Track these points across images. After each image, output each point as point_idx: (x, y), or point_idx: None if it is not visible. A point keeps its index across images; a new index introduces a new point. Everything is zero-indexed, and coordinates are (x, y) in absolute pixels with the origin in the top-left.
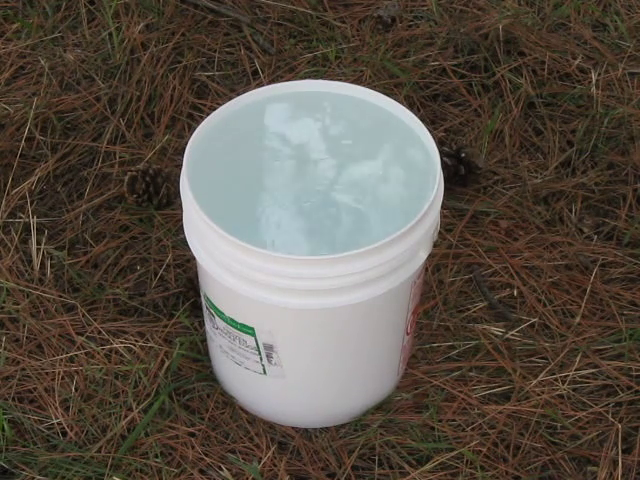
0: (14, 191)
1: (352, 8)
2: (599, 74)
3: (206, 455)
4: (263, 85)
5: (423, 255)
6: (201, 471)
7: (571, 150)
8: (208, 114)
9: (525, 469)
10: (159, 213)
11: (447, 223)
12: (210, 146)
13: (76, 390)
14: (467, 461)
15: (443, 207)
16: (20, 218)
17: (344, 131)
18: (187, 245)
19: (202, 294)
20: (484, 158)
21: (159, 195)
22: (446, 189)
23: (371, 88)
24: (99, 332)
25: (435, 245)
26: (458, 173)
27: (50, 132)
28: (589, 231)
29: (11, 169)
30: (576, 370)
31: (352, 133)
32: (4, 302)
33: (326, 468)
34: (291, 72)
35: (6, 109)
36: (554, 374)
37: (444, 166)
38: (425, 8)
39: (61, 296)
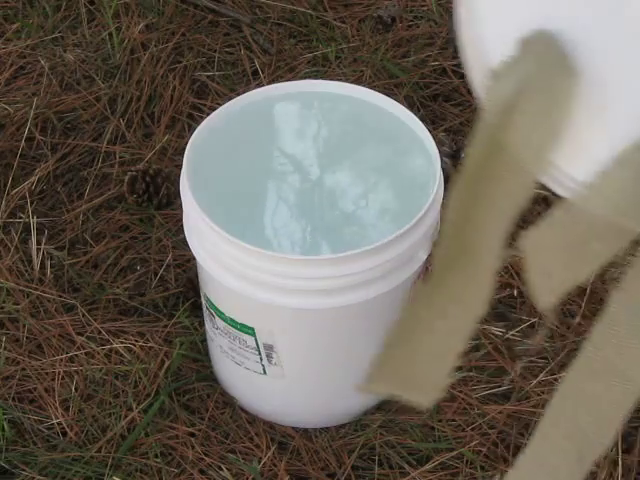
0: (14, 191)
1: (352, 8)
2: None
3: (206, 455)
4: (263, 85)
5: (423, 255)
6: (201, 471)
7: None
8: (208, 114)
9: None
10: (159, 213)
11: None
12: (210, 146)
13: (76, 390)
14: (467, 461)
15: (443, 207)
16: (20, 218)
17: (344, 131)
18: (187, 245)
19: (202, 294)
20: None
21: (159, 195)
22: (446, 189)
23: (371, 88)
24: (99, 332)
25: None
26: None
27: (50, 132)
28: None
29: (11, 169)
30: None
31: (352, 133)
32: (4, 302)
33: (326, 468)
34: (291, 72)
35: (6, 109)
36: (554, 374)
37: (444, 166)
38: (425, 8)
39: (61, 296)
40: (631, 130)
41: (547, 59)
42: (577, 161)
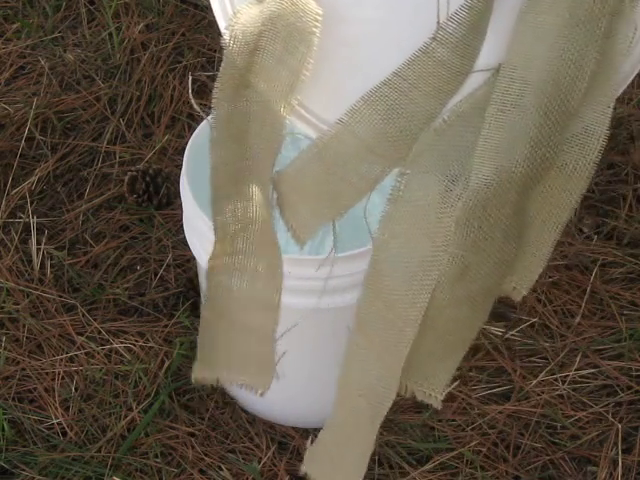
0: (14, 191)
1: None
2: None
3: (206, 455)
4: None
5: None
6: (201, 471)
7: None
8: (208, 114)
9: (525, 469)
10: (159, 213)
11: None
12: None
13: (76, 390)
14: (467, 461)
15: None
16: (20, 218)
17: None
18: (187, 245)
19: (202, 294)
20: None
21: (159, 195)
22: None
23: None
24: (99, 332)
25: None
26: None
27: (50, 132)
28: (589, 231)
29: (11, 169)
30: (576, 370)
31: None
32: (4, 302)
33: None
34: None
35: (6, 109)
36: (554, 374)
37: None
38: None
39: (61, 296)
40: (378, 70)
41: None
42: (326, 101)
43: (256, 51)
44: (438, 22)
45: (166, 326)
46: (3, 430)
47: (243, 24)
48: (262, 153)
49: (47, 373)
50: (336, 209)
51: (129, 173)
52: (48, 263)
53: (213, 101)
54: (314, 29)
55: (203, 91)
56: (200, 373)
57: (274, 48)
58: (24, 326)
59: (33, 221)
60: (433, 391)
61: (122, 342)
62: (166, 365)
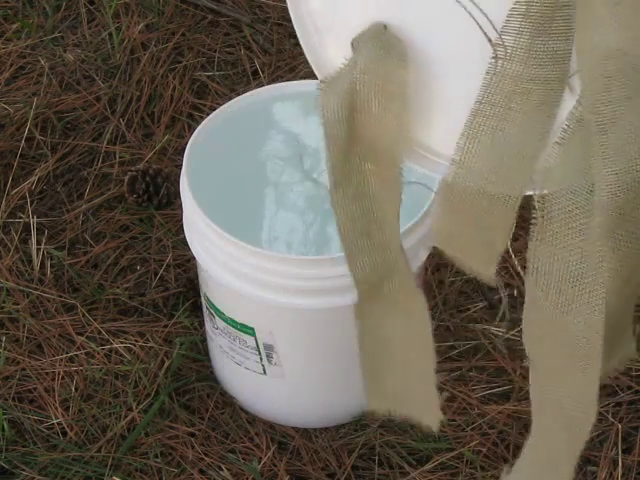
0: (14, 191)
1: None
2: None
3: (206, 455)
4: (263, 85)
5: (423, 255)
6: (201, 471)
7: None
8: (208, 114)
9: None
10: (159, 213)
11: None
12: (210, 146)
13: (76, 390)
14: (467, 461)
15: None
16: (20, 218)
17: None
18: (187, 245)
19: (202, 294)
20: None
21: (159, 195)
22: None
23: None
24: (99, 332)
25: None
26: None
27: (50, 132)
28: None
29: (11, 169)
30: None
31: None
32: (4, 302)
33: (326, 468)
34: (291, 72)
35: (6, 109)
36: None
37: None
38: None
39: (61, 296)
40: (466, 104)
41: (377, 52)
42: (433, 133)
43: (354, 96)
44: (490, 40)
45: (166, 326)
46: (3, 430)
47: (333, 90)
48: (386, 205)
49: (47, 373)
50: (500, 238)
51: (129, 173)
52: (48, 263)
53: (327, 165)
54: (406, 75)
55: (203, 91)
56: (372, 404)
57: (372, 90)
58: (24, 326)
59: (33, 221)
60: (633, 355)
61: (122, 342)
62: (166, 365)
